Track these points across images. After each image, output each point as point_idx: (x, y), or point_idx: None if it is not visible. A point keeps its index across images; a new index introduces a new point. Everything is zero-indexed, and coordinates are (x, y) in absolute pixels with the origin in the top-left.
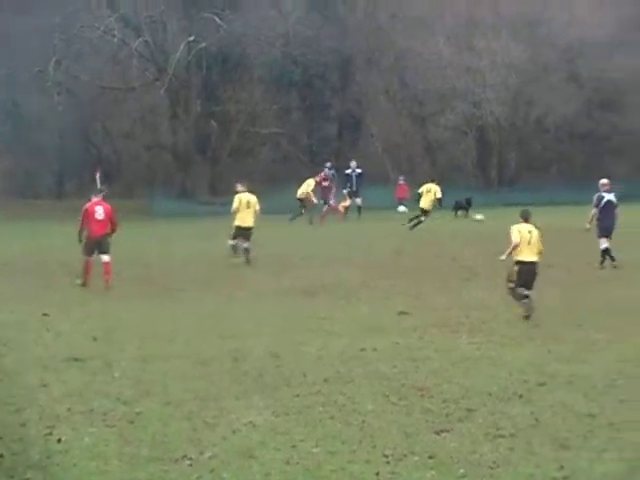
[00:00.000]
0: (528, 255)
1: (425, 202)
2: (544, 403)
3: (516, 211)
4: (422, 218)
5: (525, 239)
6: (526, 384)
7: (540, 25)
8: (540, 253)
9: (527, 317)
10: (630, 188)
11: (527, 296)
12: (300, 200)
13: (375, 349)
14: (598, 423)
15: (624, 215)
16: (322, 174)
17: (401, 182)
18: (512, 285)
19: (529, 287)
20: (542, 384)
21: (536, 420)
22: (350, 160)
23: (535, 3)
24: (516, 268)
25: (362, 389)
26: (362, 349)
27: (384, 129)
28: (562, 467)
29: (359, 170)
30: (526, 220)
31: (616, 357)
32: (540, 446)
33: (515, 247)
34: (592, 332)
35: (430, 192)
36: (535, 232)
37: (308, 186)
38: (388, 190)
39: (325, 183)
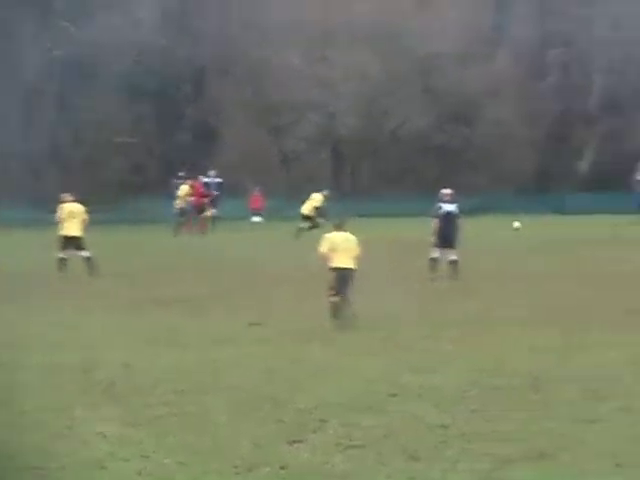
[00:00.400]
0: (342, 262)
1: (305, 208)
2: (396, 414)
3: (370, 222)
4: (309, 224)
5: (339, 247)
6: (378, 395)
7: (395, 37)
8: (356, 259)
9: (345, 326)
10: (484, 200)
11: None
12: (181, 209)
13: (228, 360)
14: (450, 434)
15: (477, 226)
16: (197, 181)
17: (256, 193)
18: (333, 293)
19: (343, 293)
20: (394, 395)
21: (388, 431)
22: (206, 169)
23: (390, 14)
24: (332, 275)
25: (214, 400)
26: (215, 360)
27: (240, 139)
28: (413, 478)
29: (218, 179)
30: (340, 229)
31: (467, 367)
32: (391, 457)
33: (324, 257)
34: (443, 343)
35: (312, 200)
36: (351, 240)
37: (182, 192)
38: (244, 200)
39: (202, 190)
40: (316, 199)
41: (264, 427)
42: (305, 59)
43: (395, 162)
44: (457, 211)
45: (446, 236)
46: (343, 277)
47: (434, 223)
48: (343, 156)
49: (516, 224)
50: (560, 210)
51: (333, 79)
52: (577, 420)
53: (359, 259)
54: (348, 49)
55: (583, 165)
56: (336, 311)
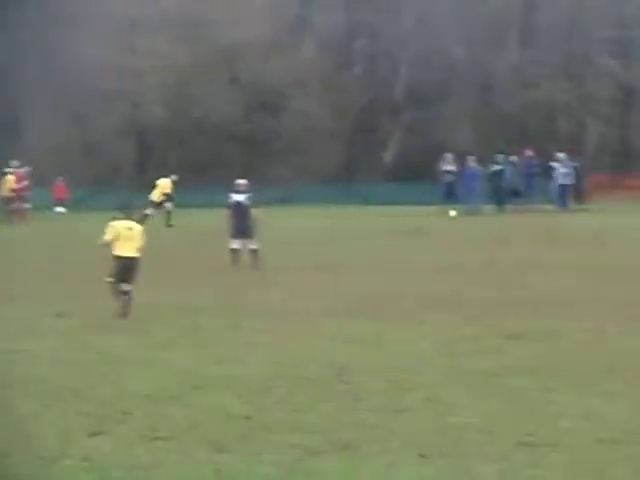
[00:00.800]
0: (126, 250)
1: (154, 195)
2: (201, 405)
3: (176, 212)
4: (149, 211)
5: (124, 235)
6: (183, 386)
7: (201, 26)
8: (140, 249)
9: (124, 314)
10: (291, 191)
11: (126, 292)
12: (7, 200)
13: (32, 351)
14: (254, 425)
15: (284, 217)
16: (19, 171)
17: (60, 183)
18: (112, 280)
19: (129, 281)
20: (199, 386)
21: (192, 422)
22: (9, 159)
23: (195, 3)
24: (114, 263)
25: (17, 392)
26: (18, 351)
27: (44, 129)
28: (218, 470)
29: (24, 169)
30: (127, 217)
31: (273, 358)
32: (196, 448)
33: (108, 244)
34: (249, 333)
35: (160, 186)
36: (134, 228)
37: (7, 183)
38: (47, 191)
39: (25, 182)
40: (164, 185)
41: (67, 419)
42: (111, 48)
43: (202, 152)
44: (248, 201)
45: (239, 226)
46: (125, 266)
47: (226, 214)
48: (149, 146)
49: (452, 213)
50: (366, 201)
51: (139, 68)
52: (384, 411)
53: (143, 248)
54: (154, 38)
55: (387, 156)
56: (117, 297)
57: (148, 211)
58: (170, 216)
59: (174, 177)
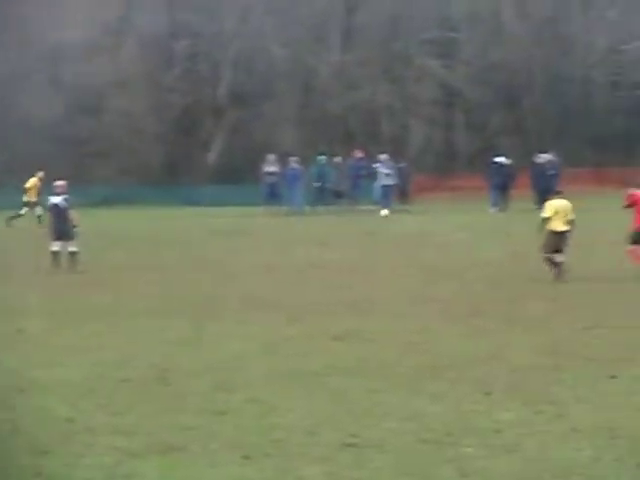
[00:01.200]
0: None
1: (28, 195)
2: (23, 409)
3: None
4: (23, 211)
5: None
6: (3, 389)
7: (22, 26)
8: None
9: None
10: (114, 192)
11: None
12: None
13: None
14: (75, 428)
15: (106, 217)
16: None
17: None
18: None
19: None
20: (21, 389)
21: (14, 426)
22: None
23: (18, 3)
24: None
25: None
26: None
27: None
28: (39, 474)
29: None
30: None
31: (95, 360)
32: (17, 452)
33: None
34: (70, 336)
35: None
36: None
37: None
38: None
39: None
40: (31, 183)
41: None
42: None
43: (24, 153)
44: (65, 203)
45: (57, 228)
46: None
47: (37, 215)
48: None
49: (384, 212)
50: (191, 202)
51: None
52: (207, 412)
53: None
54: None
55: (211, 157)
56: None
57: (22, 211)
58: (17, 215)
59: (40, 174)
